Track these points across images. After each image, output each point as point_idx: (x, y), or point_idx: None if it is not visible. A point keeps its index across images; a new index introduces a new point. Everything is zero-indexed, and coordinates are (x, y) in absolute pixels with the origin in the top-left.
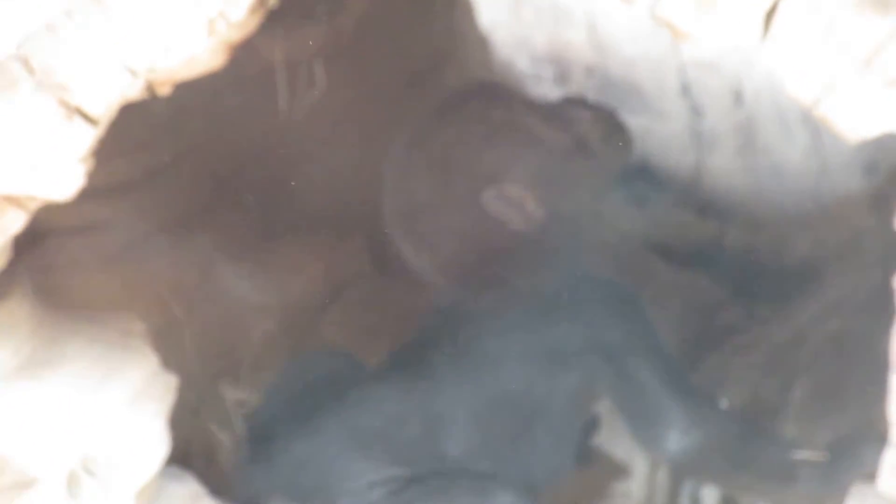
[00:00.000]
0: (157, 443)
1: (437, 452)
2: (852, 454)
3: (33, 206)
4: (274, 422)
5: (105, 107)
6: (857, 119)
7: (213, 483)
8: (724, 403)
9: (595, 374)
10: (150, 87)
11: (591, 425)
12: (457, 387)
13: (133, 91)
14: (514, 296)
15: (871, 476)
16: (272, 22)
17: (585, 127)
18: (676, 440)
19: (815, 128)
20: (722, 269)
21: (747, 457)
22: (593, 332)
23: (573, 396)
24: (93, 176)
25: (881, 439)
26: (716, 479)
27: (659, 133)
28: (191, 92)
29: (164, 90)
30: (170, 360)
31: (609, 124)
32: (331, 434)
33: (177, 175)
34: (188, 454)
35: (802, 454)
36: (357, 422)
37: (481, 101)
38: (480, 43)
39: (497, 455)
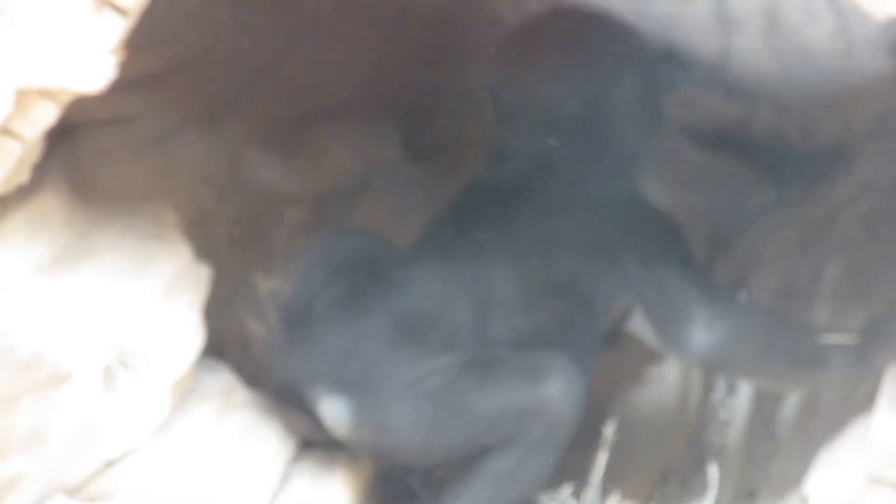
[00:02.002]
0: (192, 334)
1: (486, 337)
2: (886, 334)
3: (65, 98)
4: (311, 306)
5: None
6: None
7: (247, 374)
8: (743, 296)
9: (629, 276)
10: None
11: (624, 313)
12: (505, 268)
13: None
14: (563, 185)
15: None
16: None
17: None
18: (700, 337)
19: (839, 9)
20: (751, 152)
21: (775, 346)
22: (631, 235)
23: (612, 294)
24: (124, 68)
25: None
26: (746, 372)
27: (684, 16)
28: None
29: None
30: (202, 250)
31: None
32: (374, 320)
33: (207, 66)
34: (222, 346)
35: (833, 338)
36: (401, 306)
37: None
38: None
39: (544, 341)
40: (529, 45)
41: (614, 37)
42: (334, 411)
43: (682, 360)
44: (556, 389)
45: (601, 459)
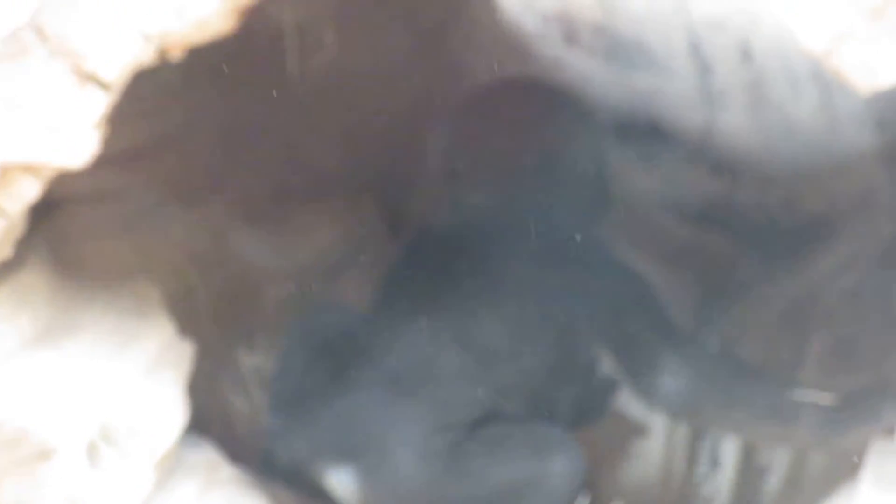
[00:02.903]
0: (175, 411)
1: (478, 391)
2: (866, 405)
3: (48, 174)
4: (299, 383)
5: (118, 73)
6: (870, 69)
7: (231, 450)
8: (714, 342)
9: (597, 325)
10: (162, 53)
11: (609, 386)
12: (491, 319)
13: (146, 56)
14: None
15: (890, 432)
16: None
17: None
18: (668, 383)
19: (824, 84)
20: (734, 227)
21: (740, 395)
22: (597, 287)
23: (582, 343)
24: (107, 143)
25: None
26: (713, 420)
27: (668, 92)
28: (202, 57)
29: (175, 55)
30: (185, 326)
31: None
32: (366, 385)
33: (189, 141)
34: (206, 422)
35: (806, 395)
36: (390, 367)
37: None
38: (488, 3)
39: (534, 397)
40: (478, 114)
41: (557, 108)
42: (342, 483)
43: (654, 409)
44: (561, 465)
45: None
